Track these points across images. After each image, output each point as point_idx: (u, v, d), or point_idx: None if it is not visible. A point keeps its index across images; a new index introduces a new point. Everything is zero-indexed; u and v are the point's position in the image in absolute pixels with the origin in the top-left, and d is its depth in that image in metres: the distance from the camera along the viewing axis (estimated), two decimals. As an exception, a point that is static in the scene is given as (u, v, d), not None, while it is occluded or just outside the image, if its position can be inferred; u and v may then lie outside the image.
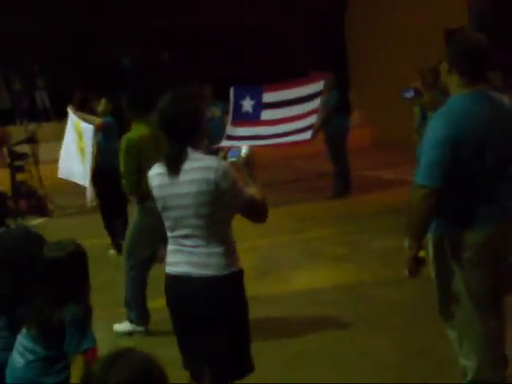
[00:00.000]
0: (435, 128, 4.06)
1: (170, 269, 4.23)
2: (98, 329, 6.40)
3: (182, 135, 4.07)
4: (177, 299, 4.23)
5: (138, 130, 6.80)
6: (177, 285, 4.19)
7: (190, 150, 4.06)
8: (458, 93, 4.13)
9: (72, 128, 10.07)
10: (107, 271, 8.72)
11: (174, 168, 4.05)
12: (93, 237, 10.43)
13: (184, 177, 4.02)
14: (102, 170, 9.54)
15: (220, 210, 4.11)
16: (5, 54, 19.38)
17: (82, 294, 3.91)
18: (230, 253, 4.29)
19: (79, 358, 3.70)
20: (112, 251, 10.11)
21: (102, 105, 10.37)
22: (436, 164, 3.99)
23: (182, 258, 4.15)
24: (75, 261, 3.92)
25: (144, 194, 6.41)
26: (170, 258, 4.24)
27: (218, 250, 4.18)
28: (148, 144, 6.57)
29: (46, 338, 3.79)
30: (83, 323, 3.80)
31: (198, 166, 4.02)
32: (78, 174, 9.86)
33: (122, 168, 6.77)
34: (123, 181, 6.81)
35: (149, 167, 6.39)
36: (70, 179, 10.20)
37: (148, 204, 6.40)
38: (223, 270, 4.18)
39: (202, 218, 4.06)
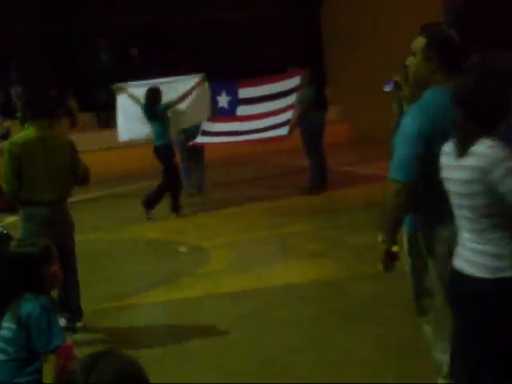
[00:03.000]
0: (410, 123, 4.07)
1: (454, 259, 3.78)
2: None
3: (483, 118, 3.56)
4: (452, 296, 3.82)
5: (24, 133, 6.59)
6: (453, 280, 3.74)
7: (484, 135, 3.51)
8: (433, 88, 4.14)
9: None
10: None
11: (460, 152, 3.55)
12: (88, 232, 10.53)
13: (466, 161, 3.51)
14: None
15: (494, 203, 3.49)
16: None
17: (41, 290, 3.90)
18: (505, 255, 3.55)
19: (51, 356, 3.68)
20: None
21: None
22: (409, 159, 4.00)
23: (459, 251, 3.72)
24: (28, 260, 3.91)
25: (25, 200, 6.42)
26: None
27: (488, 248, 3.55)
28: (32, 149, 6.40)
29: (18, 337, 3.76)
30: (50, 319, 3.78)
31: (478, 153, 3.47)
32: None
33: (2, 171, 6.64)
34: (4, 185, 6.60)
35: (32, 174, 6.40)
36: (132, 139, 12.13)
37: (29, 210, 6.38)
38: (491, 273, 3.53)
39: (476, 211, 3.55)
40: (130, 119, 11.49)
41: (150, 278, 8.52)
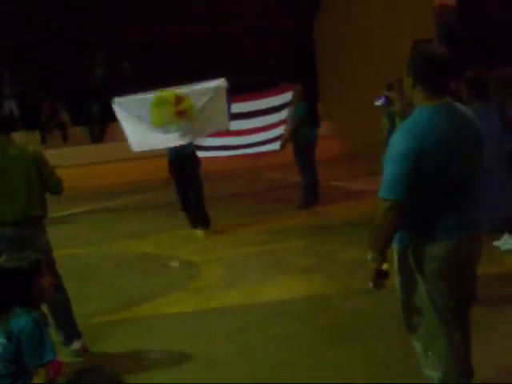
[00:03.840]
0: (398, 141, 4.08)
1: None
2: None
3: None
4: None
5: None
6: None
7: None
8: (421, 106, 4.16)
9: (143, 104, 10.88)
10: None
11: None
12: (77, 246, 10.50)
13: None
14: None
15: None
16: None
17: (33, 305, 3.90)
18: None
19: (41, 371, 3.68)
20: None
21: None
22: (399, 177, 4.01)
23: None
24: (19, 274, 3.91)
25: None
26: None
27: None
28: None
29: (7, 352, 3.76)
30: (41, 334, 3.77)
31: None
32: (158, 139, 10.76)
33: None
34: None
35: None
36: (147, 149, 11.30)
37: None
38: None
39: None
40: (139, 131, 11.04)
41: (141, 293, 8.49)
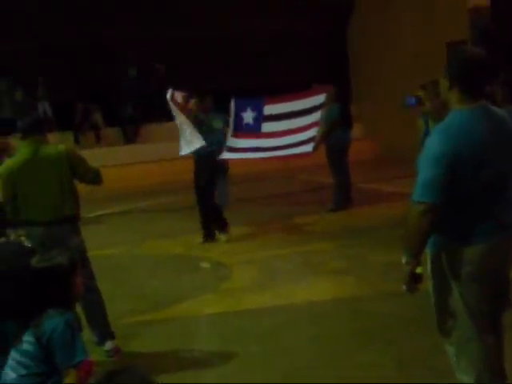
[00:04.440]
0: (433, 144, 4.05)
1: None
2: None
3: None
4: None
5: (17, 156, 6.57)
6: None
7: None
8: (457, 108, 4.12)
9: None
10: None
11: None
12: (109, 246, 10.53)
13: None
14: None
15: None
16: (9, 64, 19.42)
17: (67, 305, 3.90)
18: None
19: (72, 371, 3.69)
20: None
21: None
22: (433, 181, 3.98)
23: None
24: (60, 272, 3.91)
25: (23, 220, 6.41)
26: None
27: None
28: (25, 171, 6.35)
29: (39, 351, 3.77)
30: (73, 335, 3.78)
31: None
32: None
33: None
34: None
35: (26, 195, 6.24)
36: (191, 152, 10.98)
37: (28, 230, 6.36)
38: None
39: None
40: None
41: (172, 294, 8.50)
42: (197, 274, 9.48)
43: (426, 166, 4.03)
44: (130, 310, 7.93)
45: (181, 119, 10.79)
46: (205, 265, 9.86)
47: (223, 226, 11.10)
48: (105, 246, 10.74)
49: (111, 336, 6.59)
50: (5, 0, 19.29)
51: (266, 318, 7.39)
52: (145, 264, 10.13)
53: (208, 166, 10.95)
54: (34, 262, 3.88)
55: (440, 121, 4.28)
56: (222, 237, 11.05)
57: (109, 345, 6.53)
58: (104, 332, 6.56)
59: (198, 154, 10.84)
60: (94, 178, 6.65)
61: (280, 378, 5.86)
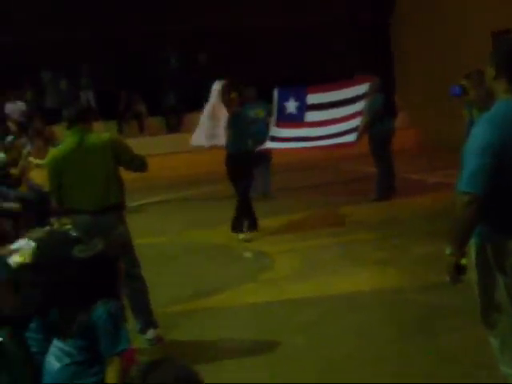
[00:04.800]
0: (479, 134, 3.99)
1: None
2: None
3: None
4: None
5: (63, 145, 6.66)
6: None
7: None
8: (503, 98, 4.06)
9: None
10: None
11: None
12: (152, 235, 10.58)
13: None
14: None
15: None
16: (53, 54, 19.58)
17: (114, 293, 3.91)
18: None
19: (115, 359, 3.70)
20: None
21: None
22: (479, 171, 3.92)
23: None
24: (106, 260, 3.92)
25: (68, 209, 6.49)
26: None
27: None
28: (70, 160, 6.42)
29: (83, 339, 3.79)
30: (117, 323, 3.80)
31: None
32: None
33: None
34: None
35: (71, 183, 6.28)
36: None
37: (73, 218, 6.36)
38: None
39: None
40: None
41: (214, 283, 8.53)
42: (239, 263, 9.50)
43: (471, 156, 3.98)
44: (173, 298, 7.96)
45: (211, 111, 10.79)
46: (247, 254, 9.87)
47: (251, 224, 10.74)
48: (148, 234, 10.79)
49: (154, 325, 6.63)
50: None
51: (308, 308, 7.37)
52: (187, 253, 10.15)
53: (247, 160, 10.65)
54: (77, 250, 3.89)
55: (485, 110, 4.23)
56: (242, 235, 10.65)
57: (151, 333, 6.56)
58: (147, 320, 6.59)
59: (235, 149, 10.55)
60: (140, 165, 6.67)
61: (322, 368, 5.85)
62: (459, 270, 4.06)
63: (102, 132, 6.92)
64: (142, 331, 6.57)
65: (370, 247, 9.65)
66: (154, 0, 20.43)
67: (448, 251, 4.07)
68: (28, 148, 13.67)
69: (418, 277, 8.09)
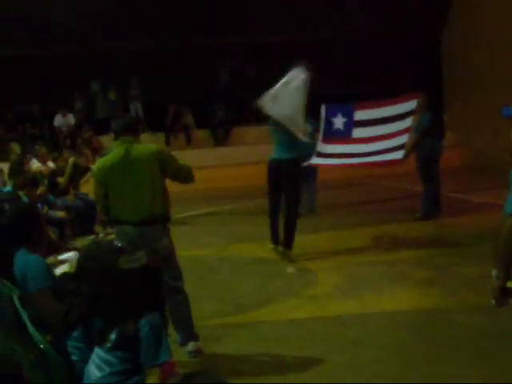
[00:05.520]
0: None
1: None
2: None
3: None
4: None
5: (110, 155, 6.66)
6: None
7: None
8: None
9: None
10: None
11: None
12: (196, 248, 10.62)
13: None
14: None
15: None
16: (103, 65, 19.79)
17: (157, 305, 3.92)
18: None
19: (155, 371, 3.71)
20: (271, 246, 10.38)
21: None
22: (527, 193, 3.88)
23: None
24: (149, 272, 3.93)
25: (113, 219, 6.51)
26: None
27: None
28: (116, 171, 6.44)
29: (124, 350, 3.81)
30: (159, 335, 3.80)
31: None
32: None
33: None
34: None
35: (117, 194, 6.29)
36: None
37: (118, 228, 6.43)
38: None
39: None
40: None
41: (256, 297, 8.51)
42: (282, 278, 9.46)
43: (519, 177, 3.94)
44: (215, 311, 7.96)
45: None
46: (290, 269, 9.84)
47: (287, 244, 10.38)
48: (191, 247, 10.82)
49: (195, 337, 6.63)
50: (102, 3, 19.70)
51: (350, 326, 7.32)
52: (230, 267, 10.15)
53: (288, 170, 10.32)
54: (121, 262, 3.91)
55: None
56: (271, 246, 10.43)
57: (191, 346, 6.56)
58: (188, 333, 6.59)
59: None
60: (186, 176, 6.67)
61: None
62: (505, 293, 4.01)
63: (149, 144, 6.93)
64: (183, 344, 6.57)
65: (415, 266, 9.58)
66: (205, 13, 20.55)
67: (494, 274, 4.02)
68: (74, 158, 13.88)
69: (463, 298, 8.00)
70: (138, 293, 3.86)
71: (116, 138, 6.62)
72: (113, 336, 3.84)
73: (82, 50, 19.87)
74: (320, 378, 6.05)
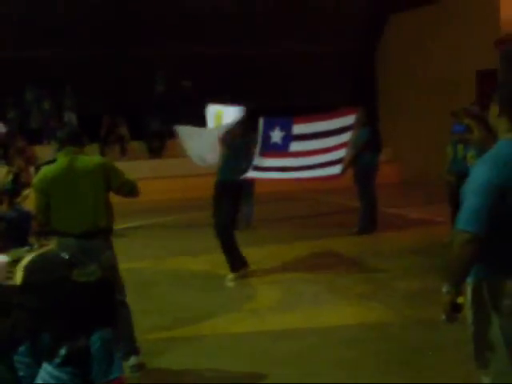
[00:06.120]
0: (480, 173, 3.98)
1: None
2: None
3: None
4: None
5: (53, 166, 6.51)
6: None
7: None
8: (505, 138, 4.06)
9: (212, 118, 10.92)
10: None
11: None
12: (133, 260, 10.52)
13: None
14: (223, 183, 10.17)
15: None
16: (38, 73, 19.53)
17: (109, 320, 3.84)
18: None
19: (106, 388, 3.63)
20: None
21: None
22: (479, 210, 3.91)
23: None
24: (104, 285, 3.85)
25: (54, 231, 6.42)
26: None
27: None
28: (59, 182, 6.34)
29: (74, 365, 3.72)
30: (110, 351, 3.73)
31: None
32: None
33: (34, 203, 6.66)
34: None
35: (59, 206, 6.23)
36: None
37: (59, 240, 6.32)
38: None
39: None
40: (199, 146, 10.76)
41: (196, 311, 8.46)
42: (221, 292, 9.42)
43: (471, 194, 3.96)
44: (155, 325, 7.88)
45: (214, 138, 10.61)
46: (228, 283, 9.79)
47: (232, 264, 10.14)
48: (129, 259, 10.67)
49: (136, 351, 6.54)
50: (37, 7, 19.43)
51: (293, 339, 7.33)
52: (169, 280, 10.08)
53: (234, 194, 10.38)
54: (75, 274, 3.81)
55: (484, 150, 4.23)
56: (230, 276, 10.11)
57: (133, 360, 6.48)
58: (129, 347, 6.50)
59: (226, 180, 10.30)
60: (131, 190, 6.60)
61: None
62: (455, 309, 4.03)
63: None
64: (125, 358, 6.47)
65: (353, 281, 9.63)
66: (141, 24, 20.45)
67: (444, 289, 4.04)
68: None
69: (402, 312, 8.07)
70: (91, 307, 3.78)
71: (60, 148, 6.50)
72: (63, 351, 3.74)
73: (14, 57, 19.56)
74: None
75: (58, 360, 3.74)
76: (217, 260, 10.56)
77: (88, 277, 3.81)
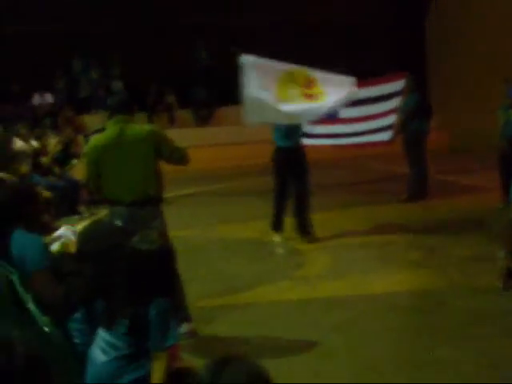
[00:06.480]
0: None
1: None
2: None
3: None
4: None
5: (103, 134, 6.52)
6: None
7: None
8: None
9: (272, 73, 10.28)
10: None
11: None
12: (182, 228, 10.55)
13: None
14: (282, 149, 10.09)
15: None
16: (85, 42, 19.61)
17: (168, 289, 3.84)
18: None
19: (162, 355, 3.63)
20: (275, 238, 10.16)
21: None
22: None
23: None
24: (164, 254, 3.84)
25: (106, 199, 6.40)
26: None
27: None
28: (109, 151, 6.31)
29: (132, 333, 3.72)
30: (167, 320, 3.73)
31: None
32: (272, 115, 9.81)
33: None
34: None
35: (109, 174, 6.15)
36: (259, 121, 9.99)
37: (111, 209, 6.30)
38: None
39: None
40: (258, 100, 9.92)
41: (246, 278, 8.45)
42: (271, 259, 9.41)
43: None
44: (205, 293, 7.89)
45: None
46: (279, 250, 9.78)
47: (305, 232, 10.27)
48: (178, 227, 10.69)
49: (187, 319, 6.57)
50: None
51: (340, 308, 7.28)
52: (219, 247, 10.09)
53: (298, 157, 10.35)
54: (136, 242, 3.78)
55: None
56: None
57: (185, 327, 6.50)
58: (181, 315, 6.51)
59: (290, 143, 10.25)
60: (181, 158, 6.55)
61: (354, 370, 5.77)
62: (510, 274, 3.97)
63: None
64: (177, 325, 6.50)
65: (404, 248, 9.57)
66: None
67: (501, 255, 3.98)
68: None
69: (453, 279, 7.95)
70: (151, 276, 3.76)
71: (110, 116, 6.48)
72: (125, 321, 3.74)
73: (60, 28, 19.64)
74: (315, 359, 6.01)
75: (122, 330, 3.75)
76: (266, 227, 10.54)
77: (150, 244, 3.79)
